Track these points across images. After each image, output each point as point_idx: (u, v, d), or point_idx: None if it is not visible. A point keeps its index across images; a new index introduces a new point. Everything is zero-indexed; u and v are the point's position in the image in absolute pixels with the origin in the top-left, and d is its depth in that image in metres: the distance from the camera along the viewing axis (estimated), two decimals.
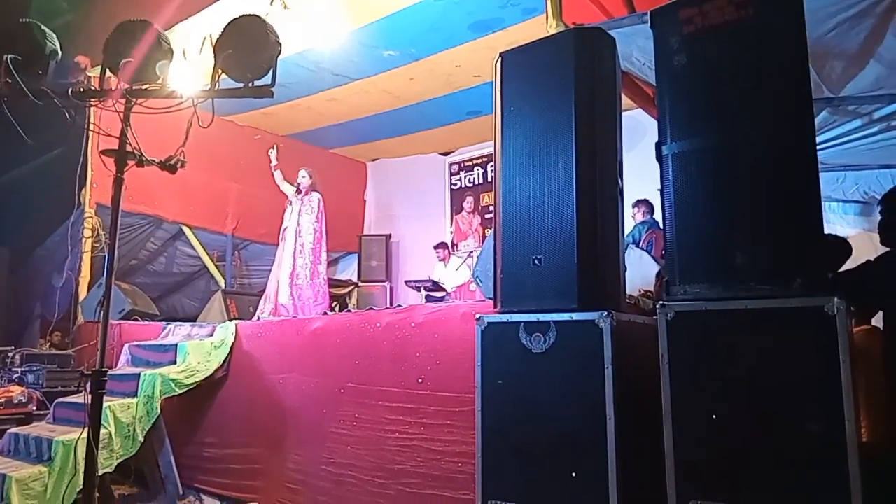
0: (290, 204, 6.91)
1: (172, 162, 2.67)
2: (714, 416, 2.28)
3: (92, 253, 7.09)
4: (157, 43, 2.55)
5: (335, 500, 4.29)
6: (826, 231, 2.43)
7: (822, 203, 2.37)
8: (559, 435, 2.61)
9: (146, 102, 2.71)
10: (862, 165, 5.30)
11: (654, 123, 2.69)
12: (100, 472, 4.43)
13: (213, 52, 2.54)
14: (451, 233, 9.58)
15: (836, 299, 2.11)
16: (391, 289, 9.39)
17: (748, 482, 2.19)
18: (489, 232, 4.95)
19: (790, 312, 2.19)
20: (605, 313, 2.56)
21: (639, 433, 2.51)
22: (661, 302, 2.46)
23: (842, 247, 3.25)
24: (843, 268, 3.04)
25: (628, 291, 3.68)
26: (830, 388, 2.08)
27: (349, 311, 6.52)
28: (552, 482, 2.60)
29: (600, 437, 2.48)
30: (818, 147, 2.50)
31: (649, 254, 5.57)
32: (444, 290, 7.83)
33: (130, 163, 2.59)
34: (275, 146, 7.12)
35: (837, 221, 5.58)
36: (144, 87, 2.57)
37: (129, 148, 2.56)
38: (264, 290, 6.98)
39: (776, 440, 2.16)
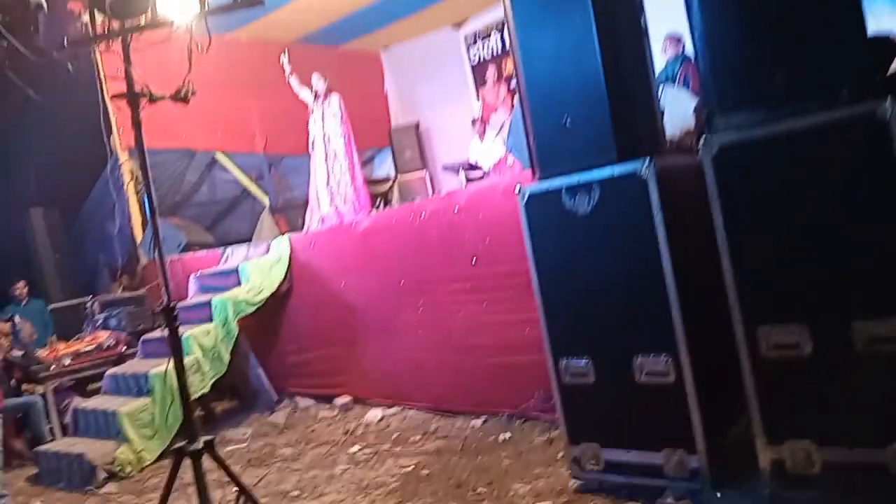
0: (312, 112, 6.82)
1: (182, 93, 2.63)
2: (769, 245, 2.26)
3: (137, 196, 7.24)
4: None
5: (417, 382, 4.54)
6: (873, 31, 2.25)
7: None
8: (618, 288, 2.65)
9: (142, 37, 2.64)
10: None
11: None
12: (197, 394, 4.80)
13: None
14: (480, 108, 9.33)
15: (887, 102, 1.99)
16: (430, 176, 9.35)
17: (814, 303, 2.20)
18: (517, 100, 4.80)
19: (839, 125, 2.08)
20: (647, 161, 2.50)
21: (696, 271, 2.52)
22: (702, 138, 2.37)
23: (886, 45, 3.01)
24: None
25: (669, 133, 3.57)
26: (890, 199, 2.01)
27: (391, 206, 6.56)
28: (616, 333, 2.67)
29: (659, 283, 2.50)
30: None
31: (687, 89, 5.34)
32: (481, 168, 7.75)
33: (143, 101, 2.57)
34: (285, 51, 6.91)
35: (885, 18, 5.16)
36: (136, 21, 2.50)
37: (137, 87, 2.53)
38: (307, 202, 7.06)
39: (838, 258, 2.14)
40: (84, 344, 5.71)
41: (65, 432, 5.14)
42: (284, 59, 6.82)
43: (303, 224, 7.03)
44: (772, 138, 2.21)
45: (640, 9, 2.85)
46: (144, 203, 6.89)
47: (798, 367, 2.23)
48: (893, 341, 2.05)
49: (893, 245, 2.03)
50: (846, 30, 2.12)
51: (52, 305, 7.10)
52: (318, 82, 6.72)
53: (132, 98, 2.63)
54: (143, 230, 7.18)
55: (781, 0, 2.21)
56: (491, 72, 9.15)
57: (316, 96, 6.74)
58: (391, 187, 9.11)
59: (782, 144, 2.19)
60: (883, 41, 3.04)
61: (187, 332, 4.84)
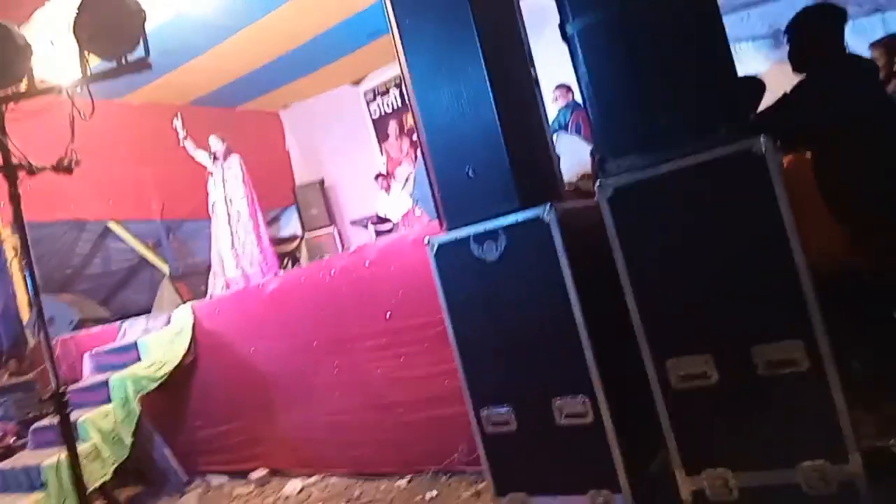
0: (212, 175, 6.64)
1: (66, 163, 2.49)
2: (669, 279, 2.35)
3: (21, 273, 6.76)
4: (11, 40, 2.32)
5: (337, 447, 4.37)
6: (741, 72, 2.45)
7: (732, 45, 2.37)
8: (532, 332, 2.67)
9: (22, 105, 2.50)
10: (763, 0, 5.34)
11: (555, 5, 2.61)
12: (97, 483, 4.43)
13: (74, 35, 2.33)
14: (384, 162, 9.42)
15: (761, 138, 2.15)
16: (339, 232, 9.28)
17: (715, 331, 2.29)
18: (419, 153, 4.88)
19: (720, 161, 2.22)
20: (548, 206, 2.57)
21: (604, 310, 2.58)
22: (597, 182, 2.47)
23: (754, 85, 3.29)
24: (763, 104, 3.09)
25: (567, 178, 3.71)
26: (773, 225, 2.15)
27: (300, 265, 6.43)
28: (534, 378, 2.68)
29: (570, 325, 2.54)
30: None
31: (579, 136, 5.59)
32: (390, 221, 7.77)
33: (22, 174, 2.41)
34: (177, 114, 6.73)
35: (750, 61, 5.66)
36: (11, 90, 2.36)
37: (14, 159, 2.38)
38: (210, 267, 6.81)
39: (733, 286, 2.25)
40: None
41: None
42: (178, 122, 6.64)
43: (206, 290, 6.76)
44: (661, 178, 2.32)
45: (530, 60, 2.98)
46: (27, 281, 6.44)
47: (707, 395, 2.30)
48: (790, 363, 2.16)
49: (781, 270, 2.16)
50: (719, 74, 2.29)
51: None
52: (217, 143, 6.57)
53: (9, 171, 2.47)
54: (30, 310, 6.68)
55: (659, 49, 2.35)
56: (392, 126, 9.30)
57: (215, 158, 6.58)
58: (298, 245, 8.97)
59: (671, 183, 2.31)
60: (751, 81, 3.31)
61: (83, 417, 4.49)
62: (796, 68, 3.00)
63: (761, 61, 5.61)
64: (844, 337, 2.24)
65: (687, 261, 2.32)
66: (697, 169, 2.26)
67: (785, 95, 2.92)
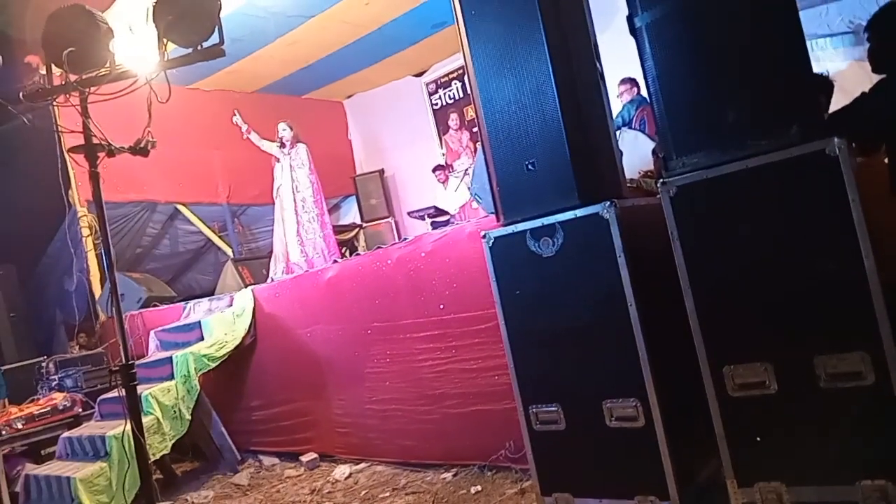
0: (279, 161, 6.79)
1: (142, 145, 2.60)
2: (730, 282, 2.28)
3: (95, 250, 7.08)
4: (95, 25, 2.44)
5: (385, 435, 4.43)
6: (816, 70, 2.34)
7: (808, 41, 2.27)
8: (585, 331, 2.63)
9: (101, 88, 2.61)
10: None
11: None
12: (157, 456, 4.61)
13: (154, 22, 2.42)
14: (444, 154, 9.44)
15: (835, 139, 2.05)
16: (396, 223, 9.36)
17: (777, 339, 2.21)
18: (479, 146, 4.87)
19: (791, 162, 2.14)
20: (608, 203, 2.53)
21: (661, 313, 2.52)
22: (661, 180, 2.41)
23: (823, 85, 3.14)
24: (836, 104, 2.95)
25: (628, 175, 3.63)
26: (844, 230, 2.06)
27: (358, 253, 6.52)
28: (585, 378, 2.64)
29: (625, 325, 2.50)
30: None
31: (643, 132, 5.47)
32: (447, 213, 7.79)
33: (101, 154, 2.52)
34: (235, 112, 6.91)
35: (827, 58, 5.41)
36: (93, 73, 2.47)
37: (95, 140, 2.49)
38: (272, 251, 6.98)
39: (798, 292, 2.16)
40: (38, 406, 5.46)
41: (14, 502, 4.86)
42: (237, 118, 6.82)
43: (266, 274, 6.93)
44: (727, 178, 2.25)
45: (596, 54, 2.92)
46: (103, 257, 6.74)
47: (764, 405, 2.23)
48: (854, 377, 2.06)
49: (849, 277, 2.06)
50: (794, 71, 2.20)
51: (5, 366, 6.82)
52: (285, 131, 6.71)
53: (90, 151, 2.59)
54: (102, 286, 7.00)
55: (731, 43, 2.28)
56: (453, 118, 9.30)
57: (282, 145, 6.73)
58: (357, 234, 9.09)
59: (738, 183, 2.24)
60: (819, 81, 3.17)
61: (146, 391, 4.67)
62: (876, 68, 2.85)
63: (839, 59, 5.35)
64: None
65: (750, 264, 2.24)
66: (767, 169, 2.18)
67: (863, 95, 2.78)
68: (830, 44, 5.42)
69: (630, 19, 2.49)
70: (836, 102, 2.95)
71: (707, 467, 2.61)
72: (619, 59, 3.55)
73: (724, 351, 2.30)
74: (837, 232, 2.07)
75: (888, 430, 2.01)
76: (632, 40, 2.52)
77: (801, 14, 2.22)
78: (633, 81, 6.10)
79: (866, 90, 2.79)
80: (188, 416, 4.88)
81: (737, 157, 2.23)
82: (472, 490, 3.63)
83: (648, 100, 2.69)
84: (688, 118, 2.39)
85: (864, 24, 2.97)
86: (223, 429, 5.23)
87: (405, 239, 4.61)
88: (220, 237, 8.43)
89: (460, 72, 8.96)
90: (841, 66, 5.19)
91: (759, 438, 2.25)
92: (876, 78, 2.82)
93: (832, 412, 2.11)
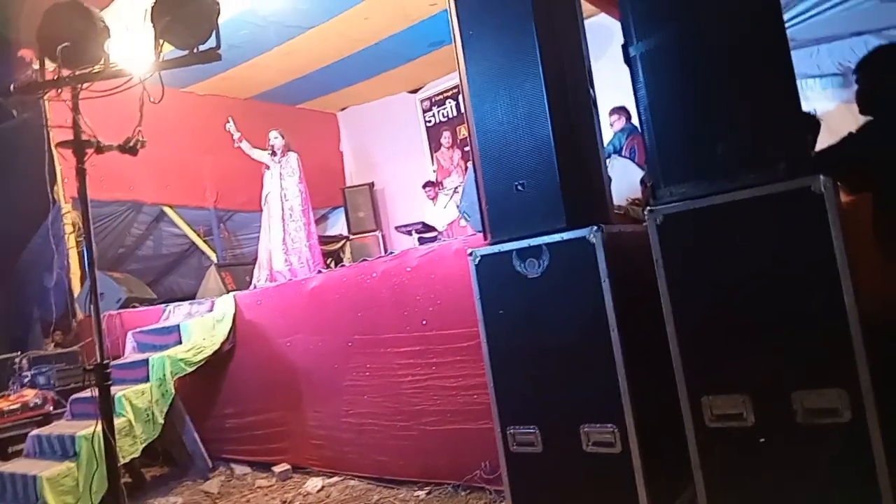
0: (269, 168, 6.77)
1: (132, 144, 2.58)
2: (712, 312, 2.29)
3: (77, 248, 7.01)
4: (91, 22, 2.43)
5: (360, 449, 4.38)
6: (804, 109, 2.39)
7: (798, 80, 2.32)
8: (566, 354, 2.63)
9: (94, 86, 2.60)
10: (833, 36, 5.20)
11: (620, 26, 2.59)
12: (127, 459, 4.53)
13: (151, 22, 2.42)
14: (434, 171, 9.48)
15: (821, 177, 2.09)
16: (383, 237, 9.35)
17: (756, 371, 2.22)
18: (470, 165, 4.90)
19: (777, 197, 2.17)
20: (595, 228, 2.54)
21: (643, 339, 2.53)
22: (648, 208, 2.44)
23: (811, 123, 3.20)
24: (822, 143, 3.00)
25: (616, 201, 3.66)
26: (826, 267, 2.08)
27: (343, 265, 6.50)
28: (564, 401, 2.64)
29: (606, 349, 2.50)
30: (787, 25, 2.43)
31: (633, 161, 5.52)
32: (435, 230, 7.80)
33: (90, 151, 2.50)
34: (229, 119, 6.90)
35: (816, 98, 5.51)
36: (87, 70, 2.46)
37: (84, 136, 2.47)
38: (256, 258, 6.94)
39: (779, 326, 2.18)
40: (8, 402, 5.37)
41: None
42: (231, 126, 6.80)
43: (250, 281, 6.88)
44: (714, 209, 2.28)
45: (590, 81, 2.96)
46: (84, 256, 6.67)
47: (741, 437, 2.23)
48: (831, 413, 2.08)
49: (830, 313, 2.08)
50: (783, 108, 2.23)
51: None
52: (277, 139, 6.71)
53: (78, 147, 2.57)
54: (82, 284, 6.92)
55: (724, 77, 2.31)
56: (445, 136, 9.35)
57: (273, 153, 6.71)
58: (343, 246, 9.07)
59: (724, 215, 2.26)
60: (807, 117, 3.23)
61: (120, 392, 4.60)
62: (864, 110, 2.91)
63: (827, 100, 5.45)
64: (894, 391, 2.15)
65: (732, 295, 2.26)
66: (753, 203, 2.21)
67: (850, 135, 2.83)
68: (820, 84, 5.53)
69: (625, 48, 2.53)
70: (822, 142, 3.00)
71: (681, 496, 2.61)
72: (612, 87, 3.59)
73: (704, 380, 2.31)
74: (820, 268, 2.10)
75: (861, 469, 2.02)
76: (625, 69, 2.55)
77: (793, 54, 2.27)
78: (624, 110, 6.18)
79: (853, 131, 2.84)
80: (161, 420, 4.81)
81: (724, 188, 2.26)
82: None
83: (639, 129, 2.72)
84: (678, 148, 2.41)
85: (853, 66, 3.03)
86: (196, 435, 5.16)
87: (391, 253, 4.61)
88: (205, 241, 8.38)
89: (455, 91, 9.03)
90: (829, 106, 5.29)
91: (733, 470, 2.25)
92: (862, 119, 2.87)
93: (808, 447, 2.12)
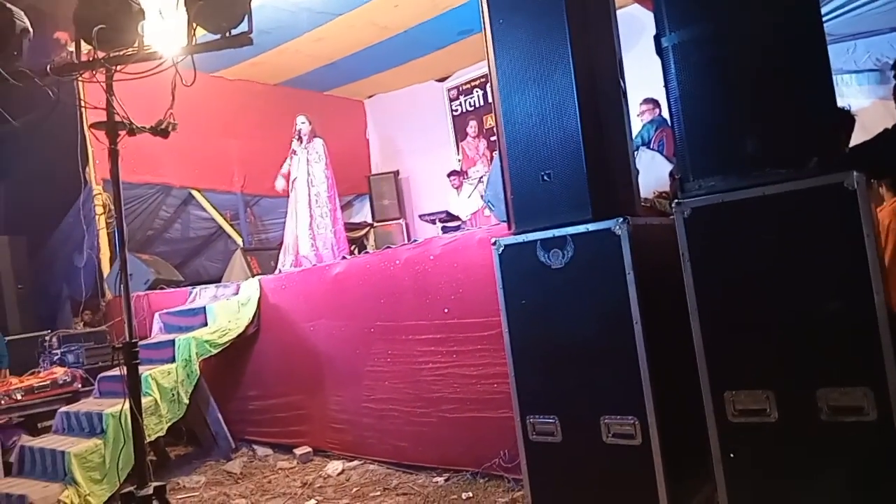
0: (295, 154, 6.82)
1: (163, 126, 2.62)
2: (737, 307, 2.27)
3: (107, 229, 7.12)
4: (127, 5, 2.46)
5: (380, 434, 4.43)
6: (839, 105, 2.34)
7: (834, 76, 2.27)
8: (588, 345, 2.63)
9: (127, 68, 2.64)
10: (872, 32, 5.07)
11: (652, 17, 2.56)
12: (152, 437, 4.63)
13: (185, 6, 2.45)
14: (459, 160, 9.46)
15: (854, 173, 2.05)
16: (407, 225, 9.37)
17: (781, 368, 2.20)
18: (496, 154, 4.88)
19: (808, 193, 2.14)
20: (621, 220, 2.53)
21: (665, 332, 2.52)
22: (676, 200, 2.41)
23: (845, 119, 3.13)
24: (856, 140, 2.94)
25: (643, 194, 3.63)
26: (856, 264, 2.05)
27: (367, 252, 6.54)
28: (585, 392, 2.64)
29: (629, 342, 2.49)
30: (824, 18, 2.38)
31: (661, 153, 5.46)
32: (458, 219, 7.80)
33: (122, 133, 2.55)
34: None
35: (852, 94, 5.39)
36: (121, 52, 2.49)
37: (117, 118, 2.51)
38: (282, 243, 7.00)
39: (806, 323, 2.15)
40: (38, 379, 5.50)
41: (8, 472, 4.88)
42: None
43: (275, 266, 6.95)
44: (743, 203, 2.25)
45: (620, 72, 2.93)
46: (114, 236, 6.80)
47: (764, 434, 2.22)
48: (856, 411, 2.05)
49: (858, 311, 2.06)
50: (817, 104, 2.20)
51: (9, 337, 6.87)
52: (304, 124, 6.74)
53: (111, 128, 2.61)
54: (111, 264, 7.04)
55: (757, 70, 2.28)
56: (472, 125, 9.32)
57: (299, 138, 6.75)
58: (367, 233, 9.11)
59: (753, 210, 2.24)
60: (841, 113, 3.16)
61: (146, 372, 4.69)
62: None
63: (863, 96, 5.33)
64: None
65: (759, 291, 2.24)
66: (783, 198, 2.18)
67: (885, 131, 2.78)
68: (855, 80, 5.40)
69: (657, 39, 2.50)
70: (856, 139, 2.95)
71: (701, 491, 2.60)
72: (643, 78, 3.55)
73: (727, 376, 2.30)
74: (849, 265, 2.07)
75: (887, 468, 2.00)
76: (657, 60, 2.52)
77: (829, 48, 2.22)
78: (654, 102, 6.10)
79: (888, 127, 2.78)
80: (186, 400, 4.90)
81: (754, 183, 2.23)
82: (464, 496, 3.63)
83: (669, 121, 2.69)
84: (707, 141, 2.39)
85: (891, 62, 2.97)
86: (219, 416, 5.25)
87: (415, 241, 4.62)
88: (231, 225, 8.47)
89: (483, 80, 8.98)
90: (864, 102, 5.17)
91: (754, 466, 2.24)
92: None
93: (831, 445, 2.10)
